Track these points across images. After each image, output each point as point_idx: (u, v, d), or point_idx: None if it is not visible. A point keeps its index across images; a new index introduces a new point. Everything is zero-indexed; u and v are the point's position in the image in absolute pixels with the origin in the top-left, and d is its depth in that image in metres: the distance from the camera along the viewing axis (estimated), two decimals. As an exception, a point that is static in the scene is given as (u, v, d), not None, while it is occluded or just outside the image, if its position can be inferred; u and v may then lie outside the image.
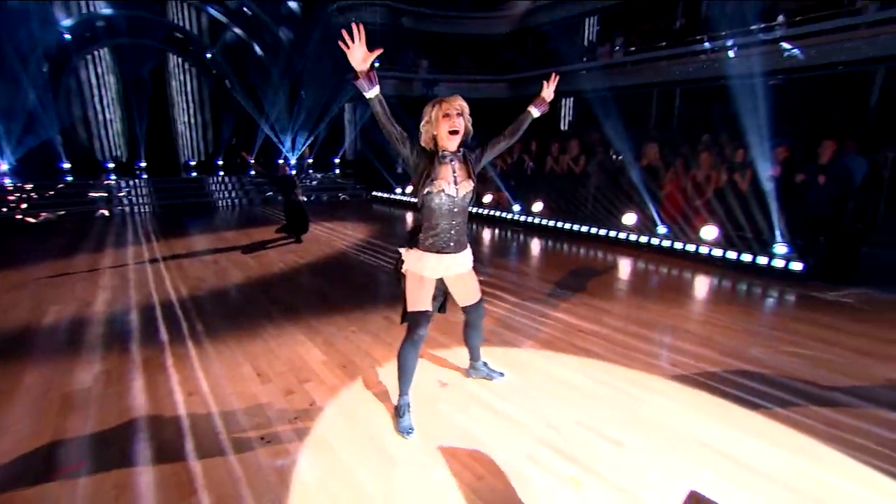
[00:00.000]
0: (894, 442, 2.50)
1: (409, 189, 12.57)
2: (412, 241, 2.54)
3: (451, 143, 2.36)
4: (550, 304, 4.73)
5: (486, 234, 8.86)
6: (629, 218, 7.66)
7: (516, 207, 9.50)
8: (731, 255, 6.07)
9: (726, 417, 2.72)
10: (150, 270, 5.94)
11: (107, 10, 13.88)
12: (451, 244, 2.49)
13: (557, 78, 2.78)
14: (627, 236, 7.46)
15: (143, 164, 14.50)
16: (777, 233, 5.80)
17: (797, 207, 5.93)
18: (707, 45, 10.59)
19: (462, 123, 2.35)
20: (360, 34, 2.04)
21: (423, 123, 2.39)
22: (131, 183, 12.59)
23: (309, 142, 16.29)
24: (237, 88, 15.41)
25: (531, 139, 10.17)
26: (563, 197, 9.19)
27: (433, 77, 15.59)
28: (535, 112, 2.71)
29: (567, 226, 8.44)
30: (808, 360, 3.50)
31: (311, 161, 15.79)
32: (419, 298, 2.49)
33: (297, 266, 6.24)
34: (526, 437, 2.53)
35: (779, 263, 5.60)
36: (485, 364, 3.13)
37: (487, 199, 10.28)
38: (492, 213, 9.96)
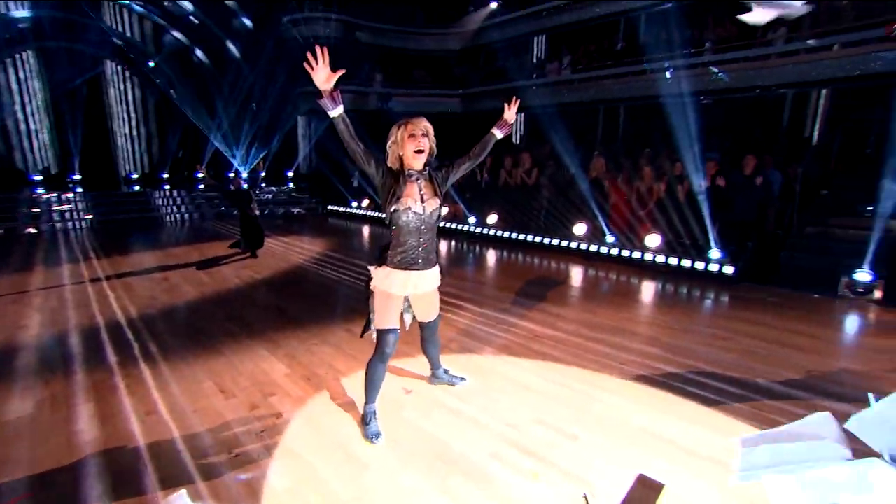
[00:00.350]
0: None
1: (365, 203, 12.59)
2: (381, 258, 2.57)
3: (417, 162, 2.44)
4: (508, 311, 4.92)
5: (443, 246, 9.02)
6: (579, 228, 8.06)
7: (472, 219, 9.74)
8: (673, 261, 6.54)
9: (671, 409, 2.97)
10: (91, 290, 5.63)
11: (24, 13, 12.93)
12: (420, 261, 2.52)
13: (518, 101, 2.89)
14: (578, 245, 7.85)
15: (78, 177, 13.62)
16: (711, 240, 6.32)
17: (727, 216, 6.49)
18: (646, 66, 11.38)
19: (427, 143, 2.43)
20: (323, 56, 2.12)
21: (389, 143, 2.46)
22: (63, 197, 11.79)
23: (262, 155, 15.97)
24: (184, 99, 14.90)
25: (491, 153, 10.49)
26: (516, 209, 9.53)
27: (388, 91, 15.74)
28: (498, 134, 2.81)
29: (521, 237, 8.76)
30: (740, 354, 3.86)
31: (264, 174, 15.47)
32: (387, 316, 2.52)
33: (254, 281, 6.13)
34: (489, 436, 2.66)
35: (714, 268, 6.11)
36: (446, 371, 3.22)
37: (444, 211, 10.49)
38: (448, 225, 10.15)
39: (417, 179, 2.45)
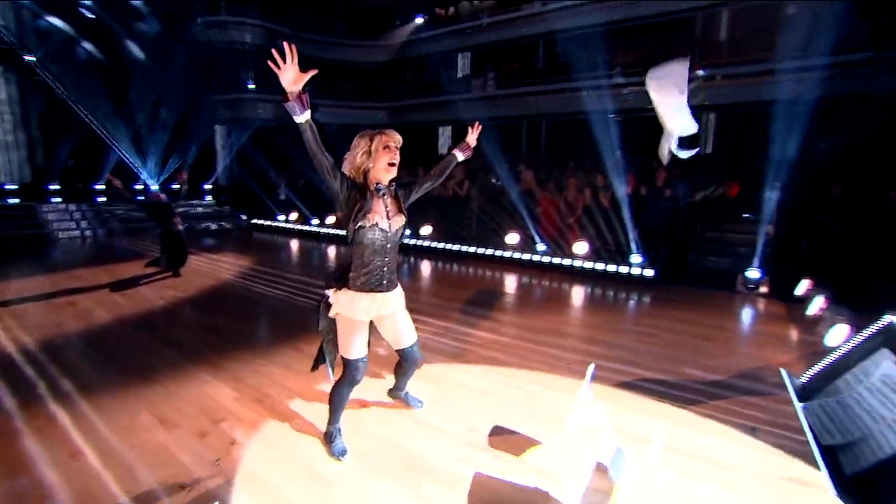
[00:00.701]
0: (727, 399, 3.23)
1: (294, 216, 12.14)
2: (340, 280, 2.40)
3: (387, 176, 2.32)
4: (454, 320, 5.04)
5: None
6: (512, 237, 8.42)
7: (406, 231, 9.78)
8: (600, 266, 7.08)
9: (619, 401, 3.23)
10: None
11: None
12: (384, 282, 2.39)
13: (480, 127, 2.90)
14: (512, 254, 8.20)
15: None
16: (633, 245, 6.94)
17: (645, 224, 7.17)
18: (564, 85, 12.25)
19: (398, 157, 2.33)
20: (291, 54, 1.93)
21: (358, 154, 2.30)
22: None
23: (177, 166, 14.78)
24: (80, 103, 13.37)
25: (416, 165, 10.62)
26: (449, 219, 9.73)
27: (312, 102, 15.35)
28: (459, 156, 2.78)
29: (455, 247, 8.96)
30: (667, 346, 4.31)
31: (187, 188, 14.28)
32: (354, 344, 2.39)
33: (181, 301, 5.67)
34: (454, 442, 2.72)
35: (636, 271, 6.71)
36: (406, 394, 3.10)
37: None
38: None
39: (384, 195, 2.33)
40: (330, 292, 2.42)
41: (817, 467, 2.44)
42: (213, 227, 12.97)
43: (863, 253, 5.43)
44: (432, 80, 15.57)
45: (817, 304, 4.86)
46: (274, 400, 3.17)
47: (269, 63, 1.97)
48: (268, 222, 12.48)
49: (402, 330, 2.59)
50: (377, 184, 2.32)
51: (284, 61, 1.94)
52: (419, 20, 15.73)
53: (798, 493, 2.27)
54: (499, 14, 14.00)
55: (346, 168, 2.34)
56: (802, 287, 5.41)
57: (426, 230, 9.53)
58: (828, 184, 6.44)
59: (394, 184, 2.41)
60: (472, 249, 8.71)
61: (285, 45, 1.96)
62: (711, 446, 2.71)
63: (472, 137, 2.84)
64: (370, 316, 2.41)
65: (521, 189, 8.61)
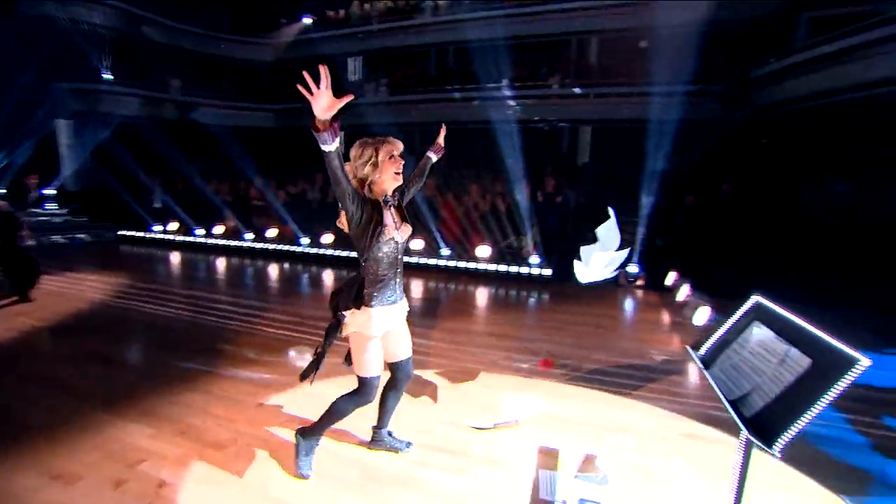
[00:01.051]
0: (630, 377, 3.75)
1: (174, 226, 10.84)
2: (358, 299, 2.26)
3: (393, 186, 2.25)
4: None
5: (273, 271, 8.49)
6: (416, 244, 8.57)
7: (305, 240, 9.39)
8: (503, 268, 7.58)
9: (537, 388, 3.54)
10: None
11: None
12: (396, 293, 2.35)
13: (444, 129, 2.90)
14: (418, 260, 8.34)
15: None
16: (531, 248, 7.54)
17: (541, 227, 7.85)
18: (457, 94, 12.82)
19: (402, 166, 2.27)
20: (325, 78, 1.75)
21: (362, 164, 2.19)
22: None
23: (2, 165, 12.25)
24: None
25: (314, 172, 10.27)
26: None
27: (190, 100, 13.92)
28: (433, 157, 2.79)
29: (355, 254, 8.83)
30: (573, 336, 4.83)
31: (34, 194, 11.86)
32: (373, 362, 2.30)
33: (43, 330, 4.77)
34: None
35: (535, 272, 7.32)
36: (390, 433, 2.75)
37: (272, 233, 9.82)
38: (276, 247, 9.53)
39: (390, 206, 2.28)
40: (347, 313, 2.26)
41: (708, 424, 3.03)
42: (63, 240, 10.97)
43: (706, 248, 6.65)
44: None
45: (684, 292, 5.83)
46: (200, 429, 2.87)
47: (300, 87, 1.76)
48: (141, 234, 10.94)
49: (401, 342, 2.49)
50: (385, 196, 2.25)
51: (318, 86, 1.76)
52: (306, 20, 15.18)
53: (693, 445, 2.85)
54: (390, 21, 14.16)
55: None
56: (671, 278, 6.44)
57: (327, 238, 9.23)
58: (682, 192, 7.73)
59: (397, 193, 2.35)
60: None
61: (321, 68, 1.78)
62: (623, 417, 3.14)
63: (440, 138, 2.87)
64: (384, 330, 2.34)
65: (426, 195, 8.82)
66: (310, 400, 3.22)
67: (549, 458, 2.67)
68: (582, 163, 12.23)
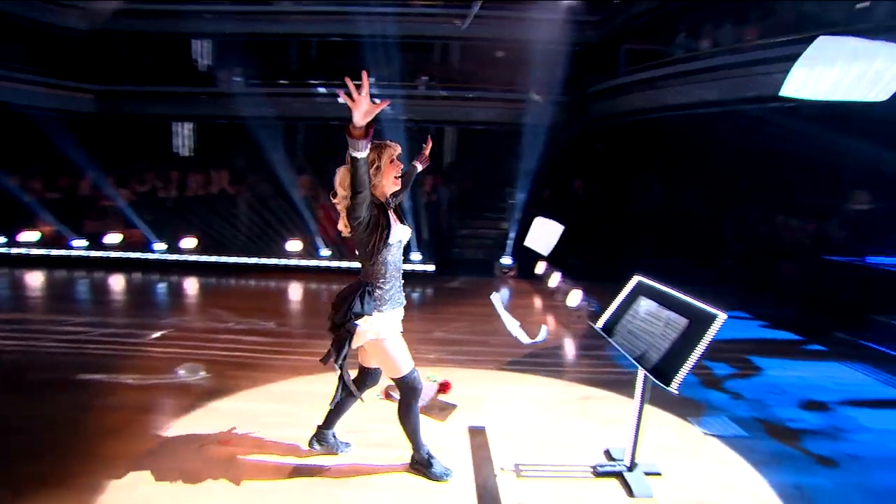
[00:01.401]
0: (527, 356, 4.27)
1: (34, 236, 8.40)
2: (370, 306, 2.22)
3: (393, 189, 2.30)
4: (264, 333, 4.86)
5: (119, 282, 7.33)
6: (294, 245, 8.19)
7: (160, 245, 8.25)
8: (388, 264, 7.71)
9: (450, 375, 3.82)
10: None
11: None
12: (402, 295, 2.40)
13: (431, 142, 2.91)
14: (296, 262, 7.99)
15: None
16: (413, 244, 7.81)
17: (419, 224, 8.18)
18: (321, 90, 12.42)
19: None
20: (365, 84, 1.76)
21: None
22: None
23: None
24: None
25: (170, 170, 9.05)
26: (214, 229, 8.69)
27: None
28: (419, 167, 2.84)
29: (226, 259, 8.11)
30: (473, 324, 5.29)
31: None
32: (404, 359, 2.35)
33: None
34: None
35: (420, 268, 7.63)
36: (334, 435, 2.74)
37: (113, 238, 8.36)
38: (121, 255, 8.17)
39: (391, 207, 2.33)
40: (361, 321, 2.22)
41: (601, 387, 3.67)
42: None
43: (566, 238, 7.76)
44: (161, 63, 13.27)
45: (555, 279, 6.70)
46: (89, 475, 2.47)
47: (342, 94, 1.77)
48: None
49: None
50: (387, 198, 2.31)
51: (359, 92, 1.76)
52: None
53: (588, 403, 3.45)
54: (241, 4, 13.01)
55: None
56: (541, 268, 7.32)
57: (189, 243, 8.24)
58: (540, 189, 8.83)
59: (395, 196, 2.40)
60: (253, 260, 8.06)
61: (363, 74, 1.77)
62: (530, 390, 3.62)
63: (426, 150, 2.90)
64: (398, 331, 2.39)
65: (303, 195, 8.48)
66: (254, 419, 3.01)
67: (478, 436, 2.97)
68: (448, 163, 12.94)
